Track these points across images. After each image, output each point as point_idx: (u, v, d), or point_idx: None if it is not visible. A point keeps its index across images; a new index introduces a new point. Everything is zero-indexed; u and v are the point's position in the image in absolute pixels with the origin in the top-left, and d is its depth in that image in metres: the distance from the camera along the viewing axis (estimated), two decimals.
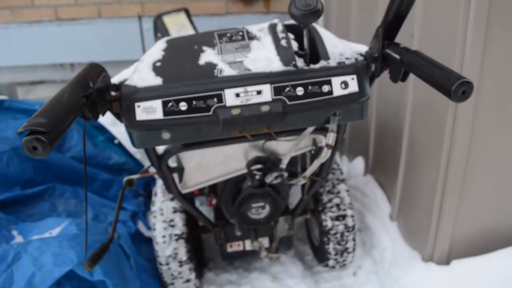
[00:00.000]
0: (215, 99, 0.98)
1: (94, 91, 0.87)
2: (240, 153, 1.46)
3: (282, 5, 2.92)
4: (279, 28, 1.14)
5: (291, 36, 1.12)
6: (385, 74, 1.09)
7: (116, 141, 2.19)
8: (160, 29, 2.06)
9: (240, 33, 1.18)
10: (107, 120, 2.44)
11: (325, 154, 1.06)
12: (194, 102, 0.98)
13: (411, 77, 1.56)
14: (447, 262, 1.59)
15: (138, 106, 0.98)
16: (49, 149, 0.70)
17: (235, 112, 0.98)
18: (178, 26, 2.09)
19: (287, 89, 0.99)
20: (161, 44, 1.17)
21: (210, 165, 1.47)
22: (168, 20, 2.08)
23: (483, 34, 1.25)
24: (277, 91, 0.99)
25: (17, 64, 2.96)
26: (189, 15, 2.19)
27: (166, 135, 1.00)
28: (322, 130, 1.29)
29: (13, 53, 2.91)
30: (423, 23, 1.48)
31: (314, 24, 1.11)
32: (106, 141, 2.15)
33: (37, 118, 0.71)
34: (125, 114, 0.99)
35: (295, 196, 2.08)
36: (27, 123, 0.70)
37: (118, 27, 2.87)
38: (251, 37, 1.17)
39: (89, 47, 2.88)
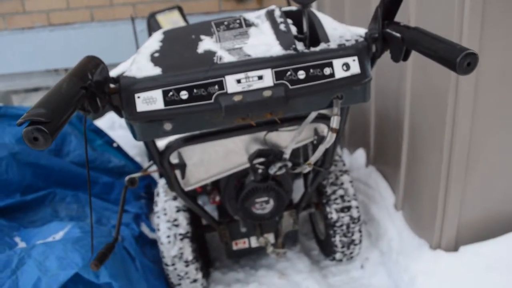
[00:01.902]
0: (216, 86, 0.97)
1: (92, 82, 0.86)
2: (242, 147, 1.44)
3: (274, 1, 2.91)
4: (277, 13, 1.13)
5: (289, 21, 1.11)
6: (384, 62, 1.08)
7: (115, 145, 2.18)
8: (154, 28, 2.05)
9: (238, 21, 1.17)
10: (105, 124, 2.44)
11: (330, 138, 1.05)
12: (195, 90, 0.97)
13: (409, 64, 1.58)
14: (455, 248, 1.58)
15: (138, 97, 0.96)
16: (50, 140, 0.68)
17: (237, 98, 0.96)
18: (172, 24, 2.08)
19: (289, 73, 0.98)
20: (158, 35, 1.15)
21: (212, 161, 1.45)
22: (161, 19, 2.07)
23: (480, 15, 1.25)
24: (278, 75, 0.98)
25: (11, 71, 2.94)
26: (182, 13, 2.18)
27: (168, 126, 0.99)
28: (323, 118, 1.27)
29: (6, 60, 2.89)
30: (419, 7, 1.47)
31: (312, 9, 1.10)
32: (105, 144, 2.13)
33: (37, 109, 0.70)
34: (125, 106, 0.98)
35: (298, 191, 2.07)
36: (26, 113, 0.69)
37: (111, 30, 2.86)
38: (249, 24, 1.16)
39: (83, 51, 2.78)
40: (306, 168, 1.26)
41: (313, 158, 1.17)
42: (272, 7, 1.18)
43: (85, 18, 2.88)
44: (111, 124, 2.50)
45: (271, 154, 1.44)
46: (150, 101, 0.96)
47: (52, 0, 2.82)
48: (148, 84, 0.97)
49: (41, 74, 2.96)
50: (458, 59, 0.80)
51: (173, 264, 1.63)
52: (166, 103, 0.97)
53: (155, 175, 2.22)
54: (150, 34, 2.12)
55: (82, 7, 2.84)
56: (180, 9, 2.17)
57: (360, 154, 2.22)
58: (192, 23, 2.21)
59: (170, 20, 2.08)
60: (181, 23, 2.12)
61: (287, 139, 1.44)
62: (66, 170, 1.87)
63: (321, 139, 1.50)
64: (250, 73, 0.97)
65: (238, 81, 0.97)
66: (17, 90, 3.01)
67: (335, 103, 1.01)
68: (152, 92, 0.96)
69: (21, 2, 2.80)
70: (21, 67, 2.92)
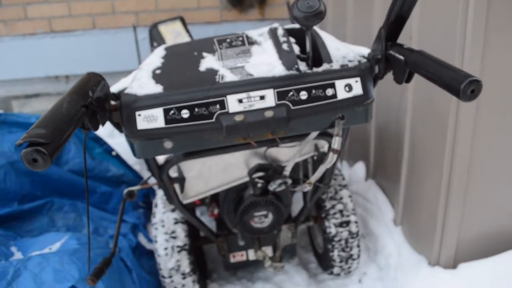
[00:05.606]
0: (218, 106, 0.96)
1: (93, 100, 0.85)
2: (242, 161, 1.44)
3: (277, 12, 2.92)
4: (280, 32, 1.13)
5: (292, 40, 1.10)
6: (386, 76, 1.08)
7: (114, 153, 2.16)
8: (156, 38, 2.05)
9: (240, 38, 1.17)
10: (104, 132, 2.43)
11: (331, 159, 1.05)
12: (196, 110, 0.96)
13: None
14: (454, 265, 1.57)
15: (139, 115, 0.96)
16: (49, 161, 0.67)
17: (238, 118, 0.96)
18: (174, 35, 2.08)
19: (291, 93, 0.98)
20: (160, 51, 1.15)
21: (211, 174, 1.45)
22: (163, 29, 2.07)
23: (482, 34, 1.25)
24: (280, 96, 0.98)
25: (12, 77, 2.94)
26: (184, 24, 2.18)
27: (168, 144, 0.98)
28: (324, 135, 1.27)
29: (7, 66, 2.89)
30: (421, 24, 1.47)
31: (315, 28, 1.10)
32: (104, 153, 2.12)
33: (37, 129, 0.69)
34: (125, 123, 0.97)
35: (297, 204, 2.06)
36: (26, 134, 0.68)
37: (113, 37, 2.86)
38: (251, 42, 1.15)
39: (84, 59, 2.86)
40: (306, 187, 1.25)
41: (313, 178, 1.17)
42: (275, 25, 1.17)
43: (87, 25, 2.88)
44: (111, 131, 2.48)
45: (270, 168, 1.43)
46: (150, 119, 0.96)
47: (54, 7, 2.82)
48: (149, 102, 0.96)
49: (42, 80, 2.96)
50: (462, 86, 0.79)
51: (170, 276, 1.62)
52: (167, 121, 0.96)
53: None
54: (151, 44, 2.12)
55: (84, 14, 2.84)
56: (182, 20, 2.17)
57: (360, 167, 2.21)
58: (194, 33, 2.23)
59: (172, 31, 2.08)
60: (183, 33, 2.12)
61: (287, 154, 1.44)
62: (64, 179, 1.86)
63: (321, 155, 1.49)
64: (252, 93, 0.97)
65: (240, 101, 0.97)
66: (17, 96, 3.01)
67: (336, 123, 1.01)
68: (153, 110, 0.96)
69: (24, 9, 2.80)
70: (21, 73, 2.92)
